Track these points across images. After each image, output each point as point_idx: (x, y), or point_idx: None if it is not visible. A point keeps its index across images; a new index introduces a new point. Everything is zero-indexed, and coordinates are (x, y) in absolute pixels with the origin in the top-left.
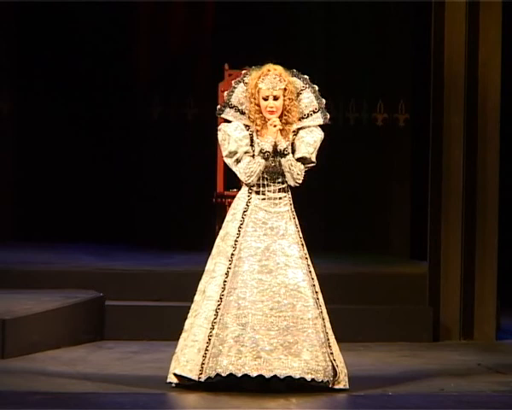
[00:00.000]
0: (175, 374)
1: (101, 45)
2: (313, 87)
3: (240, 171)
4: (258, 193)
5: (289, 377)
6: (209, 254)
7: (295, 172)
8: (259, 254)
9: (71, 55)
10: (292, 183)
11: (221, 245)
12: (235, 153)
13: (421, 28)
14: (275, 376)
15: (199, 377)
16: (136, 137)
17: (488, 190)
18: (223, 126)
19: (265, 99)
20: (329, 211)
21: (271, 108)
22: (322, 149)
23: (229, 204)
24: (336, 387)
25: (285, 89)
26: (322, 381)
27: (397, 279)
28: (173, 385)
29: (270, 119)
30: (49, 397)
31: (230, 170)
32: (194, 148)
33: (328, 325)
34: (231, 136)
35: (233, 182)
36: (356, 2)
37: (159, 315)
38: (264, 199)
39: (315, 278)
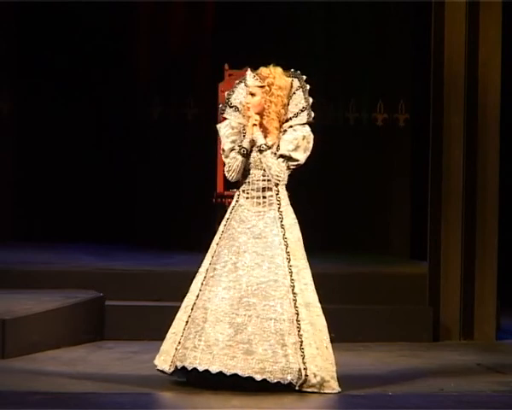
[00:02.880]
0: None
1: (101, 45)
2: (305, 87)
3: (229, 170)
4: (243, 191)
5: (236, 375)
6: None
7: (273, 169)
8: (233, 253)
9: (71, 55)
10: (272, 180)
11: (213, 243)
12: (223, 150)
13: (421, 28)
14: (235, 374)
15: (169, 369)
16: (136, 137)
17: (488, 190)
18: (218, 125)
19: (252, 95)
20: (329, 211)
21: (247, 103)
22: (323, 149)
23: (229, 204)
24: (306, 390)
25: (263, 87)
26: (280, 382)
27: (397, 279)
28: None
29: (247, 115)
30: (49, 397)
31: None
32: (194, 148)
33: (308, 328)
34: (220, 133)
35: (233, 182)
36: (356, 2)
37: (159, 315)
38: (247, 198)
39: (299, 279)
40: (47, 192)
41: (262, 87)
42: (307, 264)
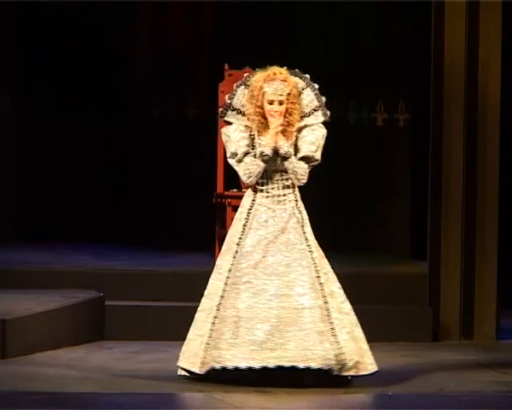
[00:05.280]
0: (181, 367)
1: (101, 45)
2: (313, 86)
3: (240, 172)
4: (262, 191)
5: (280, 367)
6: (209, 253)
7: (299, 173)
8: (259, 252)
9: (71, 57)
10: (296, 183)
11: (229, 243)
12: (236, 154)
13: (421, 28)
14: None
15: (200, 370)
16: (136, 137)
17: (488, 190)
18: (224, 129)
19: (270, 103)
20: (329, 211)
21: (275, 112)
22: (324, 149)
23: (230, 204)
24: (344, 374)
25: (289, 93)
26: (321, 369)
27: (397, 279)
28: (181, 376)
29: (272, 122)
30: (48, 397)
31: (230, 170)
32: (194, 148)
33: (336, 314)
34: (231, 137)
35: (233, 182)
36: (356, 2)
37: (159, 315)
38: (267, 197)
39: (322, 269)
40: (47, 192)
41: (288, 94)
42: (323, 253)
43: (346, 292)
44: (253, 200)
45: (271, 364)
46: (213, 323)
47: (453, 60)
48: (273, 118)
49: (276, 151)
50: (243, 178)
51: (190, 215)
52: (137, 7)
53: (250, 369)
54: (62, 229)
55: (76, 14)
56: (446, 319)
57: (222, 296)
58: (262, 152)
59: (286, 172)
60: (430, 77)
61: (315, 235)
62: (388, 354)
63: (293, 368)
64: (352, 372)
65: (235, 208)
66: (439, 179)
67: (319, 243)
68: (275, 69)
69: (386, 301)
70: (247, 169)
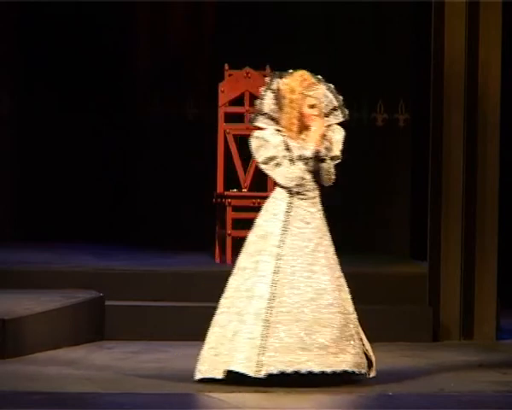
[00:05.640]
0: (229, 371)
1: (101, 45)
2: (329, 86)
3: (281, 175)
4: (298, 193)
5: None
6: (209, 253)
7: (332, 173)
8: (307, 254)
9: (71, 57)
10: (327, 183)
11: (261, 244)
12: (274, 158)
13: (421, 28)
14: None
15: (257, 374)
16: (135, 137)
17: (488, 189)
18: (257, 133)
19: (311, 107)
20: (329, 211)
21: (316, 115)
22: None
23: (230, 204)
24: (371, 375)
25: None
26: (361, 373)
27: (397, 279)
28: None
29: (314, 125)
30: (48, 397)
31: (230, 170)
32: (194, 148)
33: (355, 315)
34: (269, 141)
35: (233, 182)
36: (355, 2)
37: (159, 315)
38: (304, 199)
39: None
40: (47, 192)
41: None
42: None
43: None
44: (290, 202)
45: (338, 369)
46: (267, 326)
47: (453, 60)
48: (315, 121)
49: (315, 154)
50: (283, 181)
51: (190, 215)
52: (137, 7)
53: (311, 373)
54: (62, 229)
55: (76, 14)
56: (446, 319)
57: (271, 299)
58: (302, 155)
59: (315, 175)
60: (430, 77)
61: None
62: (388, 354)
63: (351, 373)
64: (373, 373)
65: (235, 208)
66: (439, 179)
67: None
68: (305, 74)
69: (386, 301)
70: (290, 173)
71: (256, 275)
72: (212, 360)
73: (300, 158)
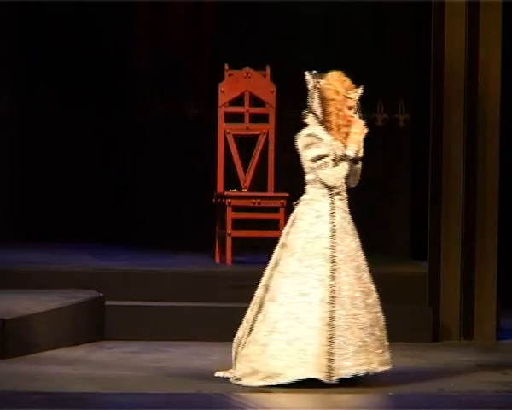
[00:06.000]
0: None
1: (101, 45)
2: None
3: (330, 174)
4: (338, 194)
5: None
6: (209, 253)
7: (360, 175)
8: (352, 255)
9: (71, 57)
10: (354, 185)
11: (311, 248)
12: (324, 156)
13: (421, 28)
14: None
15: (329, 379)
16: (135, 137)
17: (488, 189)
18: (308, 131)
19: (350, 108)
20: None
21: (352, 117)
22: None
23: (230, 204)
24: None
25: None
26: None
27: (397, 279)
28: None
29: (355, 126)
30: (49, 397)
31: (230, 170)
32: (194, 148)
33: None
34: (323, 140)
35: (233, 182)
36: (355, 2)
37: (159, 315)
38: (341, 200)
39: None
40: (47, 192)
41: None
42: None
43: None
44: (332, 203)
45: (387, 367)
46: (332, 331)
47: (453, 60)
48: (356, 123)
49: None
50: (332, 180)
51: (190, 215)
52: (137, 7)
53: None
54: (62, 229)
55: (76, 14)
56: (446, 319)
57: (332, 303)
58: (347, 155)
59: (349, 174)
60: (430, 77)
61: None
62: None
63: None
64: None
65: (235, 208)
66: (439, 179)
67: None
68: (343, 75)
69: (387, 301)
70: (338, 172)
71: (312, 280)
72: (271, 367)
73: (344, 158)
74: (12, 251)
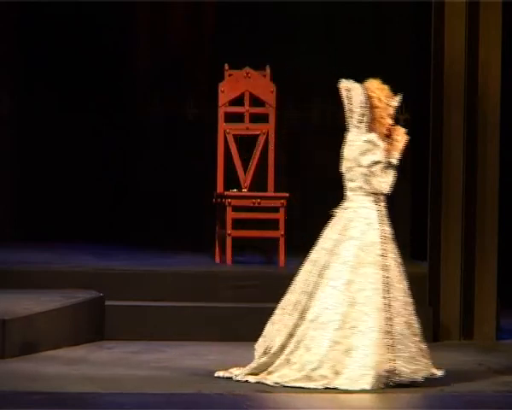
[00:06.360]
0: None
1: (101, 45)
2: None
3: (384, 181)
4: (382, 201)
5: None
6: (209, 253)
7: None
8: (399, 261)
9: (71, 57)
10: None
11: (364, 256)
12: (379, 163)
13: (421, 28)
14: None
15: (387, 384)
16: (136, 137)
17: (488, 189)
18: (367, 137)
19: (389, 116)
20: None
21: (392, 124)
22: (322, 149)
23: (230, 204)
24: None
25: None
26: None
27: None
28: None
29: (399, 134)
30: (48, 397)
31: (230, 171)
32: (194, 148)
33: None
34: (379, 146)
35: (233, 182)
36: (356, 2)
37: (159, 315)
38: (385, 207)
39: None
40: (47, 192)
41: None
42: None
43: None
44: (379, 210)
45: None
46: (390, 338)
47: (453, 60)
48: (399, 131)
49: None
50: (386, 187)
51: (190, 215)
52: (137, 7)
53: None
54: (62, 229)
55: (76, 14)
56: (446, 319)
57: (387, 311)
58: (393, 162)
59: None
60: (430, 77)
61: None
62: None
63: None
64: None
65: (235, 208)
66: (439, 179)
67: None
68: (380, 83)
69: None
70: (391, 179)
71: (368, 288)
72: (329, 375)
73: (391, 165)
74: (12, 251)
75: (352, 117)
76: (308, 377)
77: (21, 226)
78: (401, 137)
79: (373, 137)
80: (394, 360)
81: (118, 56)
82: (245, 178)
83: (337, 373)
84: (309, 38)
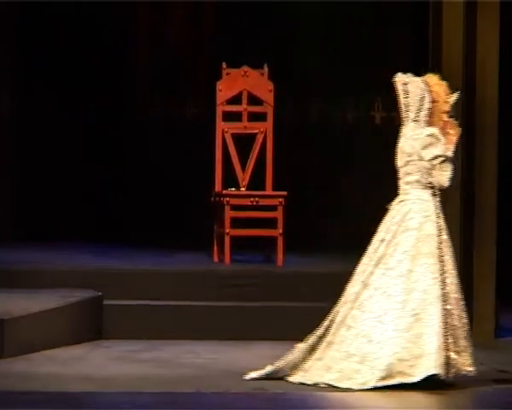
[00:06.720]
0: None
1: (101, 46)
2: None
3: (446, 174)
4: (438, 195)
5: None
6: (208, 252)
7: None
8: (452, 254)
9: (71, 57)
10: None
11: (423, 246)
12: (440, 156)
13: (419, 28)
14: None
15: (447, 376)
16: (135, 136)
17: (486, 188)
18: (430, 131)
19: (446, 112)
20: (329, 212)
21: (447, 120)
22: (322, 148)
23: (228, 203)
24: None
25: None
26: None
27: None
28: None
29: (453, 130)
30: (47, 397)
31: (228, 169)
32: (193, 147)
33: None
34: (441, 140)
35: (231, 181)
36: (356, 2)
37: (157, 314)
38: (440, 201)
39: None
40: (46, 192)
41: None
42: None
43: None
44: (436, 203)
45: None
46: (446, 328)
47: (451, 59)
48: (454, 126)
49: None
50: (447, 180)
51: (189, 214)
52: (137, 7)
53: None
54: (61, 228)
55: (76, 15)
56: None
57: (445, 301)
58: (449, 156)
59: None
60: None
61: (323, 235)
62: None
63: None
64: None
65: (234, 207)
66: None
67: (318, 243)
68: (439, 78)
69: None
70: (451, 173)
71: (428, 277)
72: (396, 365)
73: (448, 159)
74: (10, 251)
75: (408, 111)
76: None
77: (21, 226)
78: (454, 130)
79: (435, 131)
80: (451, 350)
81: (118, 56)
82: (243, 177)
83: (402, 361)
84: (309, 38)
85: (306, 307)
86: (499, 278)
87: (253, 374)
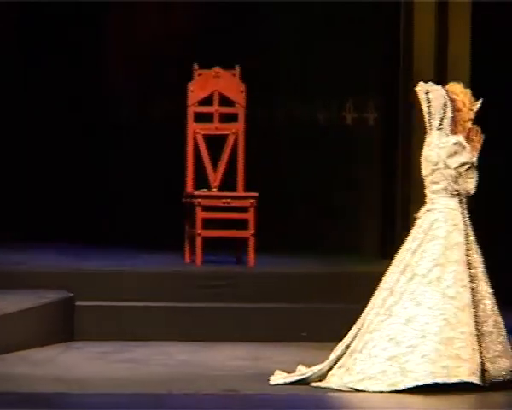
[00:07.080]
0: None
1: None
2: None
3: (472, 182)
4: (464, 203)
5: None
6: (179, 253)
7: None
8: (482, 262)
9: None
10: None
11: (452, 254)
12: (466, 164)
13: (391, 28)
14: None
15: (483, 382)
16: (106, 139)
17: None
18: (455, 139)
19: (469, 120)
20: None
21: (471, 128)
22: (295, 149)
23: (199, 204)
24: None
25: None
26: None
27: None
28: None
29: (476, 137)
30: (18, 398)
31: (200, 170)
32: (163, 148)
33: None
34: (466, 148)
35: (202, 182)
36: (327, 2)
37: (129, 315)
38: (466, 209)
39: None
40: (18, 193)
41: None
42: None
43: (347, 292)
44: (463, 212)
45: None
46: (479, 335)
47: (422, 59)
48: (478, 133)
49: None
50: (473, 187)
51: (160, 215)
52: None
53: None
54: (34, 229)
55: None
56: None
57: (475, 308)
58: (474, 163)
59: None
60: (399, 76)
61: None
62: None
63: None
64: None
65: (205, 208)
66: (408, 178)
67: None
68: (462, 86)
69: None
70: (476, 180)
71: (458, 285)
72: (427, 366)
73: (473, 166)
74: None
75: (431, 119)
76: (402, 371)
77: None
78: (477, 137)
79: (461, 139)
80: (485, 357)
81: (91, 60)
82: (214, 178)
83: (434, 362)
84: (281, 38)
85: (279, 307)
86: (499, 278)
87: (279, 380)
